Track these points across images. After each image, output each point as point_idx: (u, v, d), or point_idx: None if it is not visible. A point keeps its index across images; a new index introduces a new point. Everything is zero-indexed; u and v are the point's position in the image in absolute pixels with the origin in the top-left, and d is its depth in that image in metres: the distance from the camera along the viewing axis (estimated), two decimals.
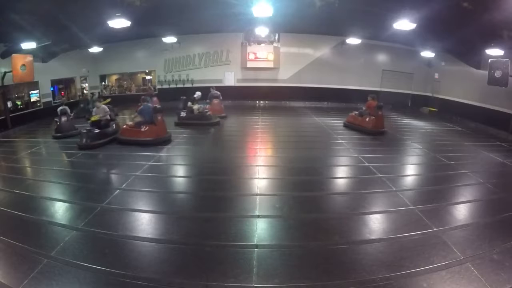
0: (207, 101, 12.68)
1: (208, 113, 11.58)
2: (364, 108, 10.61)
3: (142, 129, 8.73)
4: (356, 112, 10.85)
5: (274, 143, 9.64)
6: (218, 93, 13.26)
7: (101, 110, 9.02)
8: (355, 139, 9.65)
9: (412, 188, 6.02)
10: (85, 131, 8.53)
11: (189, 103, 11.65)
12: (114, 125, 9.30)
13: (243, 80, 16.79)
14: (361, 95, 16.32)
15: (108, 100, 11.14)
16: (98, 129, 8.70)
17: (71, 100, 15.01)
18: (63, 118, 9.94)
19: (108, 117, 9.08)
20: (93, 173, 6.95)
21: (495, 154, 8.13)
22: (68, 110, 10.17)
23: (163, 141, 8.83)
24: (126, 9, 7.97)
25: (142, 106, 9.05)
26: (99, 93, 16.62)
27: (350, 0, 8.63)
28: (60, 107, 10.14)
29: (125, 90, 17.70)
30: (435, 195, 5.41)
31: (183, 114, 11.54)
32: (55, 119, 10.04)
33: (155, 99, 13.64)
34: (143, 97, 9.93)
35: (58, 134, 9.78)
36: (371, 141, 9.53)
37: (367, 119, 10.29)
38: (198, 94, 11.94)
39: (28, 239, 4.00)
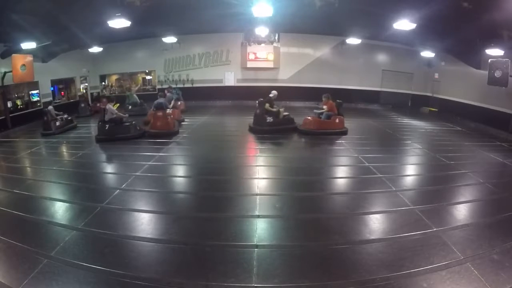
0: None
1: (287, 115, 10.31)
2: (325, 109, 10.00)
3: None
4: (320, 116, 10.06)
5: (274, 143, 9.63)
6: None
7: (108, 112, 9.35)
8: (355, 139, 9.64)
9: (412, 188, 6.01)
10: (128, 123, 9.63)
11: (267, 105, 10.10)
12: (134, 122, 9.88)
13: (243, 80, 16.79)
14: (361, 95, 16.46)
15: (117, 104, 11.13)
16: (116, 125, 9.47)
17: (71, 100, 15.05)
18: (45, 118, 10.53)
19: (114, 116, 9.42)
20: (93, 173, 6.96)
21: (495, 154, 8.13)
22: (51, 111, 10.79)
23: (161, 135, 9.50)
24: (126, 9, 7.97)
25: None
26: (98, 93, 16.66)
27: (350, 0, 8.64)
28: (48, 107, 10.88)
29: (126, 90, 17.71)
30: (435, 195, 5.41)
31: (270, 119, 10.01)
32: (44, 118, 10.60)
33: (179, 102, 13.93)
34: (160, 93, 11.19)
35: (46, 132, 10.42)
36: (371, 141, 9.53)
37: (337, 120, 10.00)
38: (274, 93, 10.52)
39: (28, 239, 4.00)
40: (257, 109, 10.21)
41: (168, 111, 10.58)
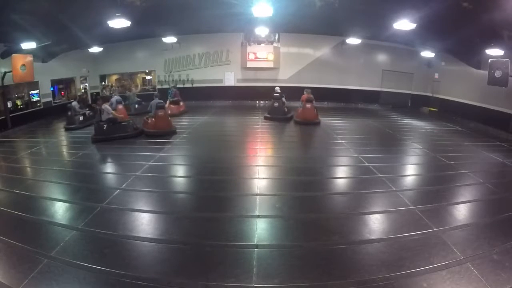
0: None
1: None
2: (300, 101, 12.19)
3: (148, 121, 9.97)
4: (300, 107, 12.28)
5: (274, 143, 9.64)
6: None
7: (105, 112, 9.35)
8: (355, 139, 9.65)
9: (412, 188, 6.01)
10: (125, 122, 9.90)
11: (283, 99, 12.44)
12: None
13: (243, 80, 16.78)
14: (361, 95, 16.46)
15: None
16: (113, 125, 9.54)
17: (71, 100, 15.02)
18: (69, 113, 11.21)
19: (110, 116, 9.42)
20: (93, 173, 6.95)
21: (495, 154, 8.12)
22: (75, 106, 11.49)
23: (163, 134, 9.63)
24: (126, 9, 7.97)
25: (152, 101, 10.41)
26: (98, 93, 16.65)
27: (350, 0, 8.63)
28: (72, 103, 11.64)
29: (126, 90, 17.70)
30: (435, 195, 5.41)
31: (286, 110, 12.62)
32: (68, 112, 11.26)
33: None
34: (156, 93, 11.54)
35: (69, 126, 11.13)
36: (371, 141, 9.54)
37: (299, 111, 11.87)
38: (277, 89, 12.84)
39: (28, 239, 4.00)
40: (275, 103, 12.30)
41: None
